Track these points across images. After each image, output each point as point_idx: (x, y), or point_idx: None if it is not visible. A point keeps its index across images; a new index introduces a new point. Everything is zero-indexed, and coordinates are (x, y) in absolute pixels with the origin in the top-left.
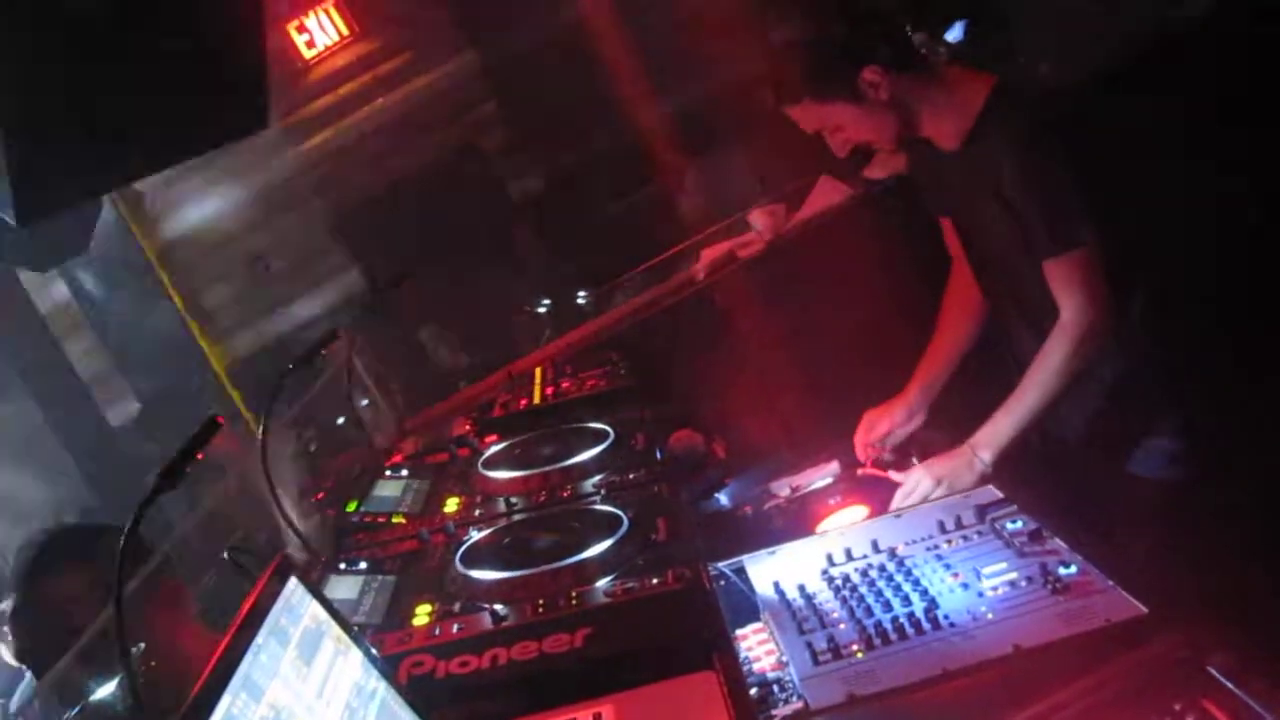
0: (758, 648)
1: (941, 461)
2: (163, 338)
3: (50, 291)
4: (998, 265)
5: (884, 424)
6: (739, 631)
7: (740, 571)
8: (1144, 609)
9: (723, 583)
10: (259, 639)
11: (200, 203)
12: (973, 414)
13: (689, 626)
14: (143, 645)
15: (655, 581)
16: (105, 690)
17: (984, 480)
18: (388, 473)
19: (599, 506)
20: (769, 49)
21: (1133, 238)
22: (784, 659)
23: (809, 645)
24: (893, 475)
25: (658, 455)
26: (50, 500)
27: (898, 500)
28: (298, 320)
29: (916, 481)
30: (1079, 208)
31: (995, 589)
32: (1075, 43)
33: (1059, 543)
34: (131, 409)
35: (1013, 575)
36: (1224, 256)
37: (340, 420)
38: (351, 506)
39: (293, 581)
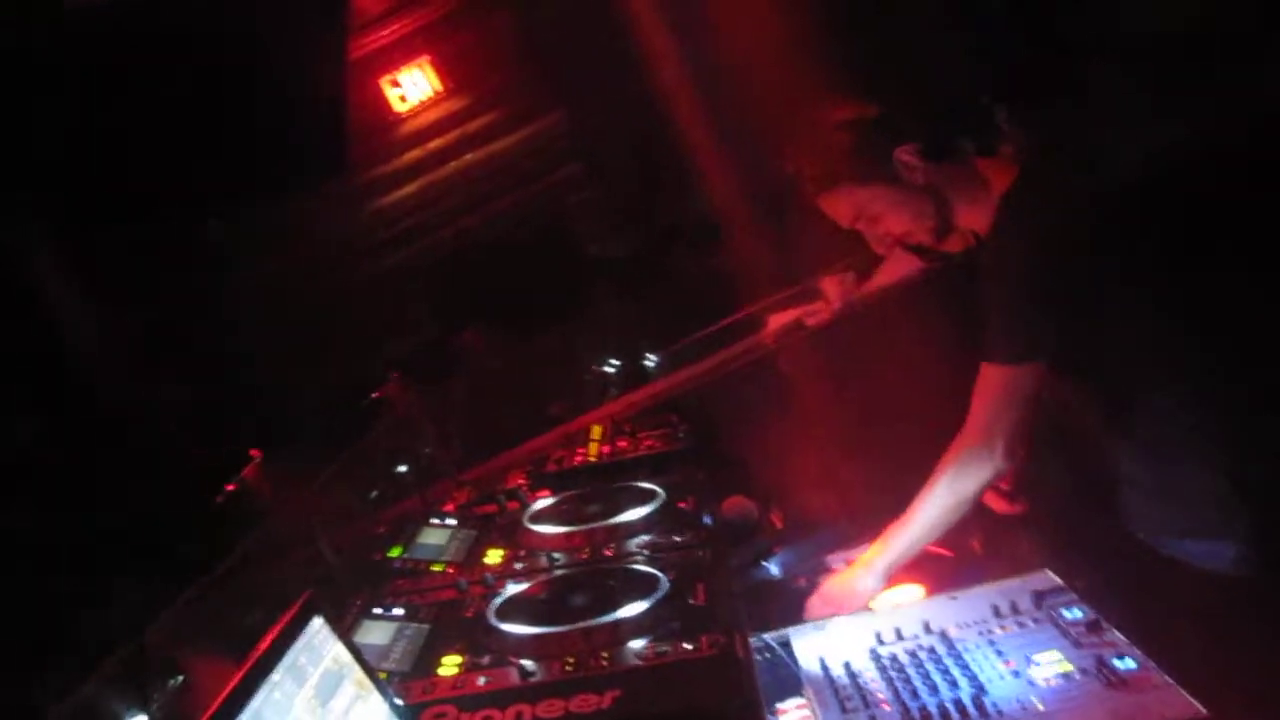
0: None
1: (835, 581)
2: None
3: None
4: None
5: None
6: (779, 705)
7: (786, 644)
8: (1203, 710)
9: (767, 655)
10: (275, 675)
11: (284, 247)
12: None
13: (720, 695)
14: None
15: (689, 647)
16: None
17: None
18: (434, 520)
19: (639, 567)
20: (815, 134)
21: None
22: None
23: None
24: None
25: (706, 519)
26: None
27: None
28: (373, 369)
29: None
30: (1022, 323)
31: (1047, 679)
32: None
33: (1117, 635)
34: None
35: (1067, 666)
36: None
37: (402, 468)
38: (395, 552)
39: (317, 621)
